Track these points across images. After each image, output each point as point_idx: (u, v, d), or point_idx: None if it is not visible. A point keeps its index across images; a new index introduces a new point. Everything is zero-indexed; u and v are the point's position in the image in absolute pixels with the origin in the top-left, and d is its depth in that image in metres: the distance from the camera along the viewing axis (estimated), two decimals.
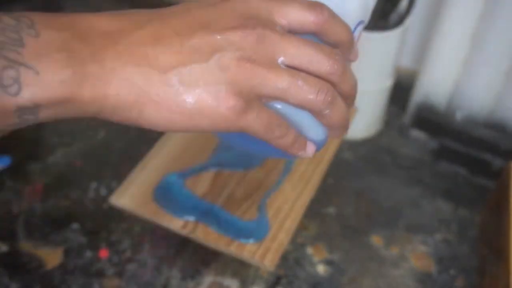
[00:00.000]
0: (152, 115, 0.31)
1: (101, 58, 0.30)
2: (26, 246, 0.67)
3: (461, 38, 0.76)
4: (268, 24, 0.33)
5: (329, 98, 0.33)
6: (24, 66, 0.28)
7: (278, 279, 0.66)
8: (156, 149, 0.74)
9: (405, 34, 0.78)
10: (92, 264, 0.66)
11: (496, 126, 0.80)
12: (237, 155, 0.74)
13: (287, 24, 0.34)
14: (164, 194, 0.69)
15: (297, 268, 0.68)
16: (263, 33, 0.32)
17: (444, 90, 0.82)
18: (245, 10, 0.33)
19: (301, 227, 0.71)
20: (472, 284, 0.68)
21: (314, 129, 0.35)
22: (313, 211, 0.73)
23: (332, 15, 0.34)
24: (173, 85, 0.31)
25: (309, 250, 0.70)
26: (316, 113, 0.34)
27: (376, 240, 0.72)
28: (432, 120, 0.84)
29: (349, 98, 0.36)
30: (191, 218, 0.66)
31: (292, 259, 0.68)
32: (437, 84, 0.81)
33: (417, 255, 0.70)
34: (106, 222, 0.70)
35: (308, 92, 0.33)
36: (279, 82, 0.32)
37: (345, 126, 0.36)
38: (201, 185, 0.70)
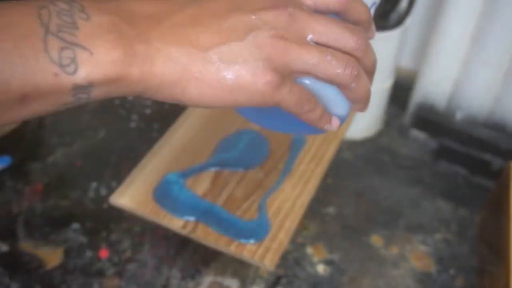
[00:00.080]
0: (194, 91, 0.33)
1: (147, 39, 0.32)
2: (26, 246, 0.67)
3: (461, 38, 0.76)
4: (296, 4, 0.35)
5: (355, 72, 0.36)
6: (80, 47, 0.30)
7: (278, 279, 0.66)
8: (156, 149, 0.74)
9: (405, 34, 0.78)
10: (92, 264, 0.66)
11: (496, 126, 0.80)
12: (237, 155, 0.74)
13: (313, 4, 0.36)
14: (164, 194, 0.69)
15: (297, 268, 0.68)
16: (293, 12, 0.35)
17: (444, 90, 0.82)
18: None
19: (301, 227, 0.71)
20: (472, 284, 0.68)
21: (339, 104, 0.38)
22: (313, 211, 0.73)
23: None
24: (214, 63, 0.33)
25: (309, 250, 0.70)
26: (343, 87, 0.36)
27: (376, 240, 0.72)
28: (432, 120, 0.84)
29: (370, 73, 0.38)
30: (191, 218, 0.67)
31: (292, 259, 0.68)
32: (437, 84, 0.82)
33: (417, 255, 0.70)
34: (106, 222, 0.70)
35: (336, 66, 0.35)
36: (310, 58, 0.34)
37: (367, 99, 0.38)
38: (201, 185, 0.70)
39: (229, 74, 0.33)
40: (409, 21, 0.77)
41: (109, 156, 0.78)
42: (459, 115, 0.82)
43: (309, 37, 0.35)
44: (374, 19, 0.40)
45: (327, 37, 0.35)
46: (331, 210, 0.75)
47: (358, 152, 0.83)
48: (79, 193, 0.73)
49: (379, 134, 0.87)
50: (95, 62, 0.30)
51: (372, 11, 0.40)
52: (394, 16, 0.75)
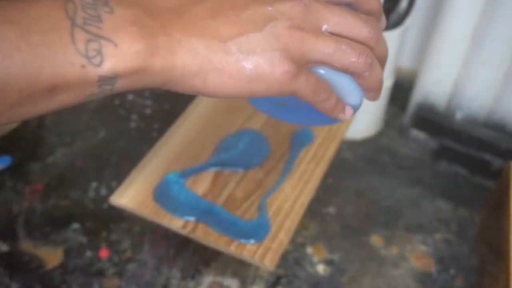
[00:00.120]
0: (214, 82, 0.34)
1: (168, 31, 0.33)
2: (26, 246, 0.67)
3: (461, 38, 0.76)
4: None
5: (369, 61, 0.37)
6: (105, 39, 0.31)
7: (278, 279, 0.66)
8: (156, 149, 0.74)
9: (405, 34, 0.78)
10: (92, 264, 0.66)
11: (496, 126, 0.80)
12: (237, 155, 0.74)
13: None
14: (164, 194, 0.69)
15: (297, 268, 0.68)
16: (309, 3, 0.36)
17: (444, 90, 0.82)
18: None
19: (301, 227, 0.71)
20: (472, 283, 0.68)
21: (352, 93, 0.39)
22: (313, 211, 0.73)
23: None
24: (233, 53, 0.34)
25: (309, 250, 0.70)
26: (357, 76, 0.37)
27: (376, 240, 0.72)
28: (432, 120, 0.84)
29: (382, 62, 0.39)
30: (191, 218, 0.67)
31: (292, 259, 0.68)
32: (437, 84, 0.81)
33: (417, 255, 0.70)
34: (106, 222, 0.70)
35: (351, 55, 0.36)
36: (326, 48, 0.35)
37: (380, 88, 0.39)
38: (201, 185, 0.70)
39: (248, 64, 0.34)
40: (409, 21, 0.77)
41: (109, 156, 0.78)
42: (459, 115, 0.82)
43: (324, 27, 0.36)
44: None
45: (341, 27, 0.36)
46: (331, 210, 0.75)
47: (358, 152, 0.83)
48: (79, 193, 0.73)
49: (379, 134, 0.87)
50: (120, 53, 0.31)
51: (381, 1, 0.42)
52: (394, 16, 0.75)
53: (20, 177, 0.74)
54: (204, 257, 0.67)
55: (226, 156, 0.73)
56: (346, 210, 0.75)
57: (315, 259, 0.69)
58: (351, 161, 0.82)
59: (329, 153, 0.75)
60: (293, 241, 0.69)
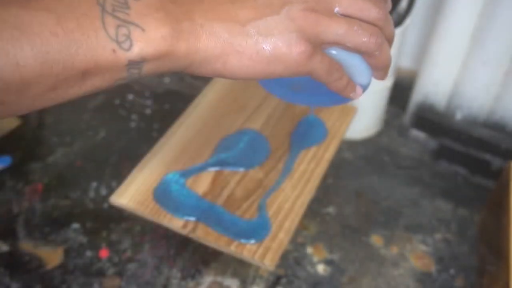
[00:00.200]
0: (235, 64, 0.36)
1: (191, 17, 0.35)
2: (26, 246, 0.67)
3: (461, 38, 0.76)
4: None
5: (379, 40, 0.39)
6: (133, 25, 0.32)
7: (278, 279, 0.66)
8: (156, 149, 0.74)
9: (405, 34, 0.78)
10: (92, 264, 0.66)
11: (496, 126, 0.80)
12: (237, 155, 0.74)
13: None
14: (164, 193, 0.69)
15: (297, 268, 0.68)
16: None
17: (444, 90, 0.82)
18: None
19: (301, 227, 0.71)
20: (472, 283, 0.68)
21: (362, 73, 0.41)
22: (313, 211, 0.73)
23: None
24: (252, 36, 0.36)
25: (309, 250, 0.70)
26: (367, 55, 0.39)
27: (376, 239, 0.72)
28: (432, 120, 0.84)
29: (390, 41, 0.41)
30: (191, 218, 0.66)
31: (292, 259, 0.68)
32: (436, 84, 0.82)
33: (417, 255, 0.70)
34: (106, 222, 0.70)
35: (362, 35, 0.38)
36: (339, 29, 0.37)
37: (388, 67, 0.41)
38: (201, 185, 0.70)
39: (267, 46, 0.36)
40: (409, 21, 0.77)
41: (109, 156, 0.78)
42: (459, 115, 0.82)
43: (336, 9, 0.38)
44: None
45: (352, 9, 0.38)
46: (331, 210, 0.75)
47: (358, 152, 0.84)
48: (79, 193, 0.73)
49: (379, 134, 0.87)
50: (147, 38, 0.33)
51: None
52: (394, 16, 0.75)
53: (20, 177, 0.74)
54: (204, 257, 0.67)
55: (226, 156, 0.73)
56: (346, 210, 0.75)
57: (315, 259, 0.69)
58: (351, 161, 0.82)
59: (329, 153, 0.75)
60: (293, 241, 0.69)
